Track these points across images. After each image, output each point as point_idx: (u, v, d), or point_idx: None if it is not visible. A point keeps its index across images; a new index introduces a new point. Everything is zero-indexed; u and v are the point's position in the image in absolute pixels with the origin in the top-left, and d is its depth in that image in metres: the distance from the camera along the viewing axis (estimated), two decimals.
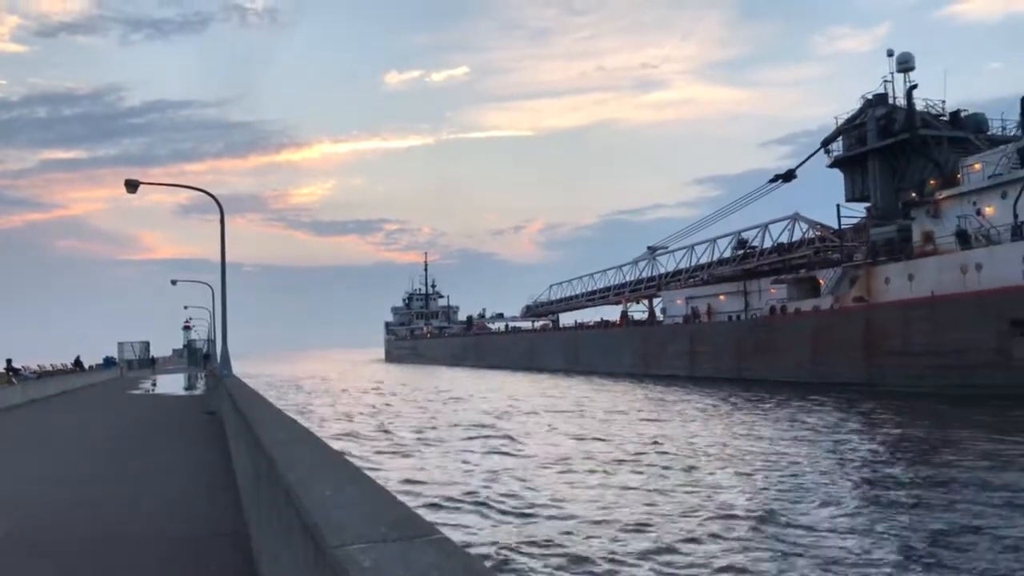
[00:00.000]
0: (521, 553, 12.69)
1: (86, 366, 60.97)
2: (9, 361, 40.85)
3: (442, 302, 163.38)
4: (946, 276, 40.85)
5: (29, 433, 21.58)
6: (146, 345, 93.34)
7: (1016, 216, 38.99)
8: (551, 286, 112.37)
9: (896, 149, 51.09)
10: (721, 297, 62.49)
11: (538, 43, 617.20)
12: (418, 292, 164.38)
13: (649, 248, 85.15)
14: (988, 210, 41.29)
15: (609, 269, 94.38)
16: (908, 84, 52.81)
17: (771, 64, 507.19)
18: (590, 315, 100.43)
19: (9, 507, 10.10)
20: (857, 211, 55.61)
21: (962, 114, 52.59)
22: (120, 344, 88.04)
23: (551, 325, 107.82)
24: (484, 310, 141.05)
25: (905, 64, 53.55)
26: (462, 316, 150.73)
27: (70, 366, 57.89)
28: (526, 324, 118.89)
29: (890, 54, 54.04)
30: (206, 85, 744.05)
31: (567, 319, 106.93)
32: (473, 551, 10.97)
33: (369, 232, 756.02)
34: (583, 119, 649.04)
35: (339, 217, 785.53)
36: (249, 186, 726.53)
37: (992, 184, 41.08)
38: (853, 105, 56.16)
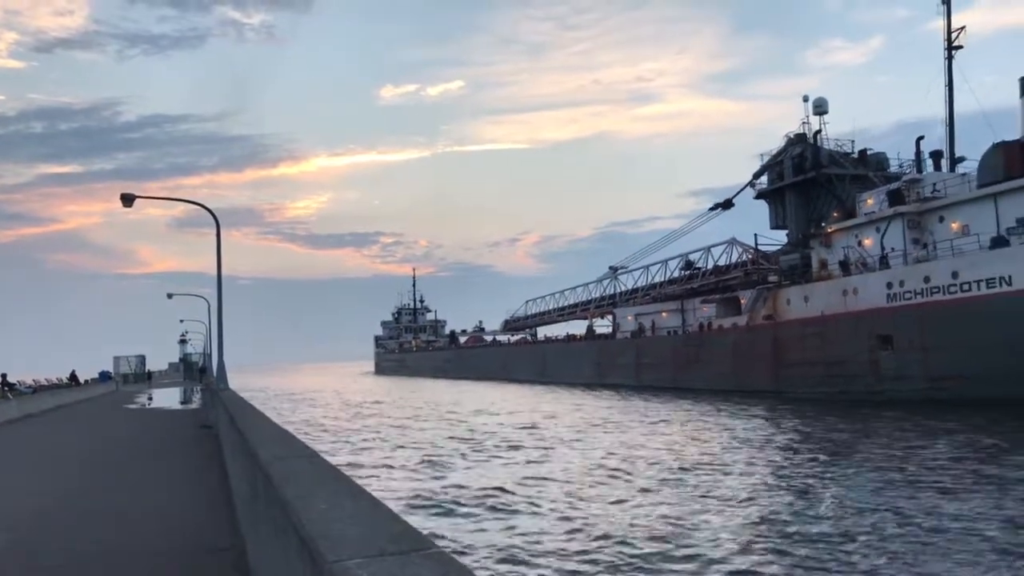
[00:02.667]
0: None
1: (82, 380, 60.49)
2: (4, 376, 41.00)
3: (430, 316, 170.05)
4: (832, 298, 47.62)
5: (25, 447, 21.79)
6: (142, 359, 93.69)
7: (883, 248, 45.84)
8: (527, 301, 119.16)
9: (807, 185, 58.02)
10: (664, 314, 69.24)
11: (534, 57, 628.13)
12: (407, 307, 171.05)
13: (611, 268, 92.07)
14: (867, 242, 48.13)
15: (578, 286, 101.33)
16: (823, 125, 60.06)
17: (765, 77, 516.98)
18: (562, 329, 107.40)
19: (7, 521, 10.23)
20: (779, 238, 62.61)
21: (868, 153, 59.51)
22: (116, 358, 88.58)
23: (529, 338, 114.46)
24: (480, 322, 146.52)
25: (819, 108, 60.56)
26: (459, 328, 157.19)
27: (66, 380, 57.78)
28: (504, 337, 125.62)
29: (806, 99, 61.06)
30: (203, 100, 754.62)
31: (548, 332, 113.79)
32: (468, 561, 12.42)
33: (365, 245, 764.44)
34: (579, 132, 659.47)
35: (335, 230, 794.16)
36: (245, 199, 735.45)
37: (868, 220, 47.97)
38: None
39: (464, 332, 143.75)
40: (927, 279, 41.45)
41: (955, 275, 40.01)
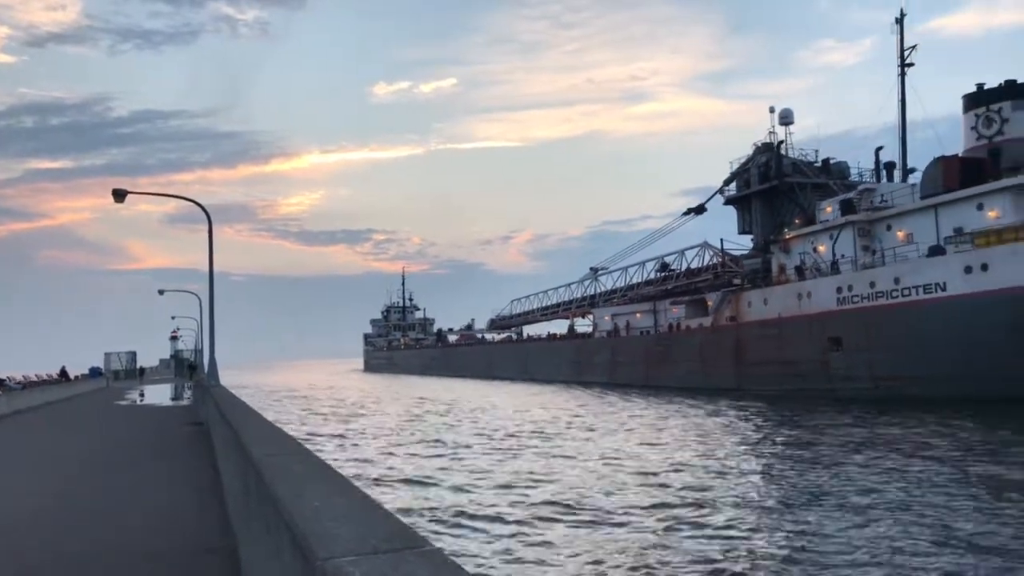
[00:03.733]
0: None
1: (72, 377, 60.12)
2: None
3: (419, 315, 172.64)
4: (789, 301, 50.49)
5: (15, 444, 21.86)
6: (133, 355, 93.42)
7: (835, 254, 48.73)
8: (512, 301, 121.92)
9: (771, 192, 60.86)
10: (638, 315, 72.06)
11: (528, 56, 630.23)
12: (396, 306, 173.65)
13: (592, 269, 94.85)
14: (821, 248, 51.02)
15: (560, 287, 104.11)
16: (788, 135, 63.00)
17: (758, 77, 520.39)
18: (545, 328, 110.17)
19: None
20: (747, 243, 65.45)
21: (830, 162, 62.38)
22: (107, 355, 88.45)
23: (515, 337, 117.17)
24: (473, 320, 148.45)
25: (785, 119, 63.55)
26: (450, 326, 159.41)
27: (56, 377, 57.29)
28: (491, 336, 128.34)
29: (772, 111, 63.96)
30: (195, 95, 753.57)
31: (535, 330, 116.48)
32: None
33: (358, 242, 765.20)
34: (572, 130, 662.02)
35: (328, 227, 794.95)
36: (238, 196, 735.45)
37: (823, 228, 50.85)
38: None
39: (451, 331, 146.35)
40: (872, 284, 44.33)
41: (897, 281, 42.89)
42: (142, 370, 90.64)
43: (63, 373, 58.91)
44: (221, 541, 8.43)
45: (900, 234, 46.37)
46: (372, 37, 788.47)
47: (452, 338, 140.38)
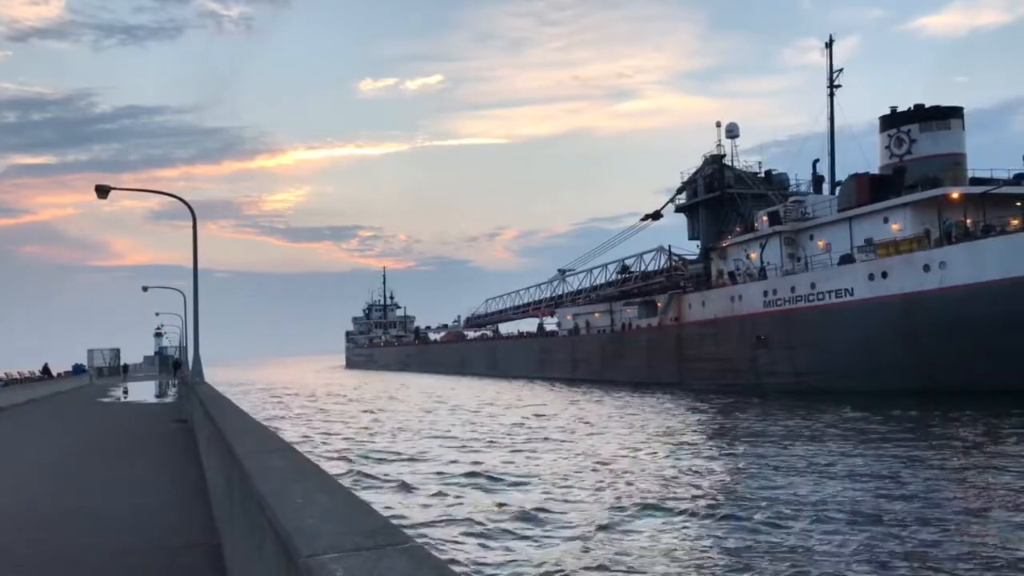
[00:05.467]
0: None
1: (55, 374, 59.66)
2: None
3: (399, 313, 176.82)
4: (723, 304, 55.16)
5: None
6: (117, 352, 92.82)
7: (762, 261, 53.44)
8: (487, 300, 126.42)
9: (715, 202, 65.48)
10: (596, 315, 76.69)
11: (513, 53, 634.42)
12: (377, 304, 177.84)
13: (559, 270, 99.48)
14: (753, 255, 55.72)
15: (531, 287, 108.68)
16: (734, 148, 67.74)
17: (742, 75, 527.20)
18: (517, 327, 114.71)
19: None
20: (695, 248, 70.15)
21: (772, 173, 67.10)
22: (90, 351, 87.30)
23: (490, 335, 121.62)
24: (459, 316, 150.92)
25: (731, 133, 68.23)
26: (436, 323, 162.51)
27: (38, 374, 56.71)
28: (468, 333, 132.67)
29: (718, 125, 68.63)
30: (180, 91, 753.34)
31: (509, 328, 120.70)
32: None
33: (344, 239, 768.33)
34: (558, 127, 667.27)
35: (313, 224, 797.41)
36: (222, 192, 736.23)
37: (755, 237, 55.56)
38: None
39: (430, 328, 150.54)
40: (793, 289, 49.04)
41: (813, 286, 47.61)
42: (126, 367, 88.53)
43: (46, 370, 58.11)
44: (204, 538, 8.43)
45: (820, 243, 51.03)
46: (357, 33, 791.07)
47: (438, 336, 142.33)
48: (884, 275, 43.43)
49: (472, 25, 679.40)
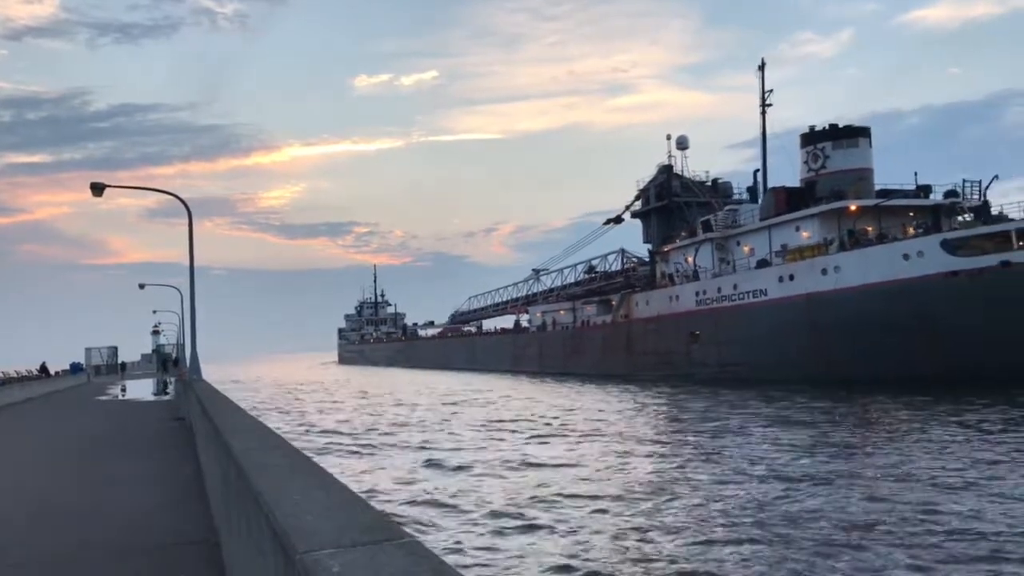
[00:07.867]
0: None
1: (52, 372, 59.81)
2: None
3: (390, 310, 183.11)
4: (663, 303, 61.33)
5: None
6: (114, 350, 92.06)
7: (696, 264, 59.62)
8: (469, 298, 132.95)
9: (664, 209, 71.57)
10: (562, 312, 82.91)
11: (509, 48, 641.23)
12: (368, 301, 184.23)
13: (534, 270, 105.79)
14: (689, 259, 61.91)
15: (509, 285, 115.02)
16: (684, 159, 73.86)
17: (737, 69, 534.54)
18: (498, 323, 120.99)
19: None
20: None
21: (718, 182, 73.17)
22: (87, 350, 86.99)
23: (474, 331, 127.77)
24: (456, 311, 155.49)
25: (681, 145, 74.34)
26: (429, 319, 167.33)
27: (36, 372, 56.79)
28: (462, 328, 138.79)
29: (668, 138, 74.69)
30: (175, 89, 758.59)
31: (491, 324, 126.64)
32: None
33: (339, 235, 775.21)
34: (554, 122, 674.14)
35: (309, 220, 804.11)
36: (218, 189, 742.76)
37: (691, 242, 61.73)
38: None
39: (417, 325, 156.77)
40: (719, 289, 55.19)
41: (735, 287, 53.77)
42: (123, 365, 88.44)
43: (43, 369, 58.19)
44: (203, 535, 8.42)
45: (746, 249, 57.16)
46: (353, 30, 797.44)
47: (434, 332, 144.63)
48: (791, 277, 49.53)
49: (467, 21, 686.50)
